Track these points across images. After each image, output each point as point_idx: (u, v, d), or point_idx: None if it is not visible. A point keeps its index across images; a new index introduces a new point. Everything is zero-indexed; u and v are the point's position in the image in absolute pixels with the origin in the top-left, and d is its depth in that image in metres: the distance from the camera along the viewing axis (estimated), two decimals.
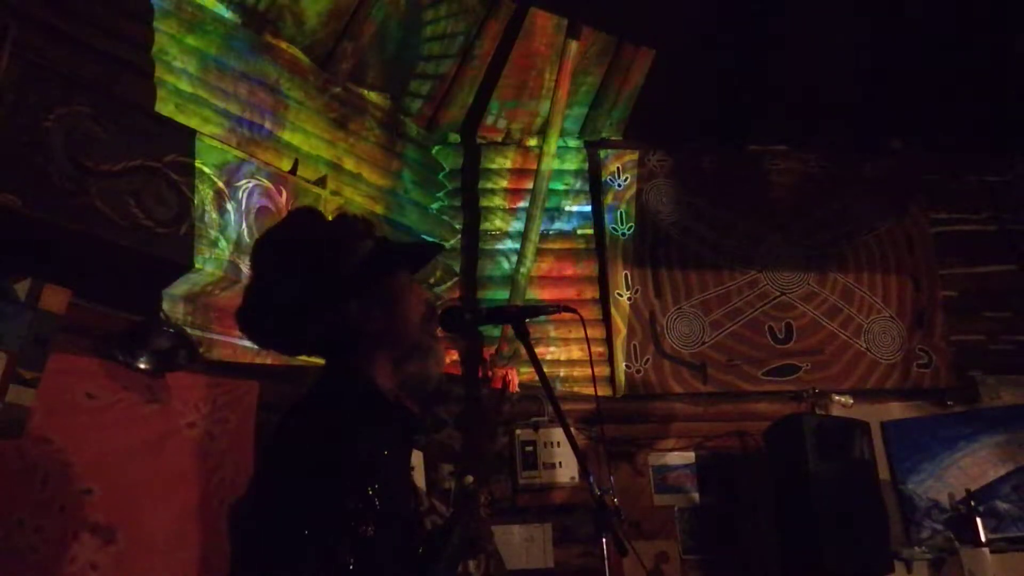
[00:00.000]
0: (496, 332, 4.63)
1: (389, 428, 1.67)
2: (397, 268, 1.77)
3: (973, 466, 4.73)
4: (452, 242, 4.93)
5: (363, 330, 1.69)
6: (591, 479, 1.92)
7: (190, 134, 3.44)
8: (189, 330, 3.39)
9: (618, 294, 4.94)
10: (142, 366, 3.24)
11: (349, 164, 4.35)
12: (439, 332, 1.91)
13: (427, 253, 1.94)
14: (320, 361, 1.80)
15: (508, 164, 5.11)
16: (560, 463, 4.48)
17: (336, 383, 1.71)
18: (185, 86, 3.56)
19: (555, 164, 4.85)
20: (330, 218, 1.82)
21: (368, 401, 1.67)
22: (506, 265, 4.87)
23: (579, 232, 5.11)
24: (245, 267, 3.49)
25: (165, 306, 3.41)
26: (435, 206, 4.94)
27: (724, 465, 4.72)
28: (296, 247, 1.72)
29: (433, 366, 1.78)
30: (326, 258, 1.68)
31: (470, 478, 4.17)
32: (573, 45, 4.59)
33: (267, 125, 3.92)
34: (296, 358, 1.84)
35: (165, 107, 3.44)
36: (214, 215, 3.47)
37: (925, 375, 4.93)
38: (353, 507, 1.47)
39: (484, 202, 5.04)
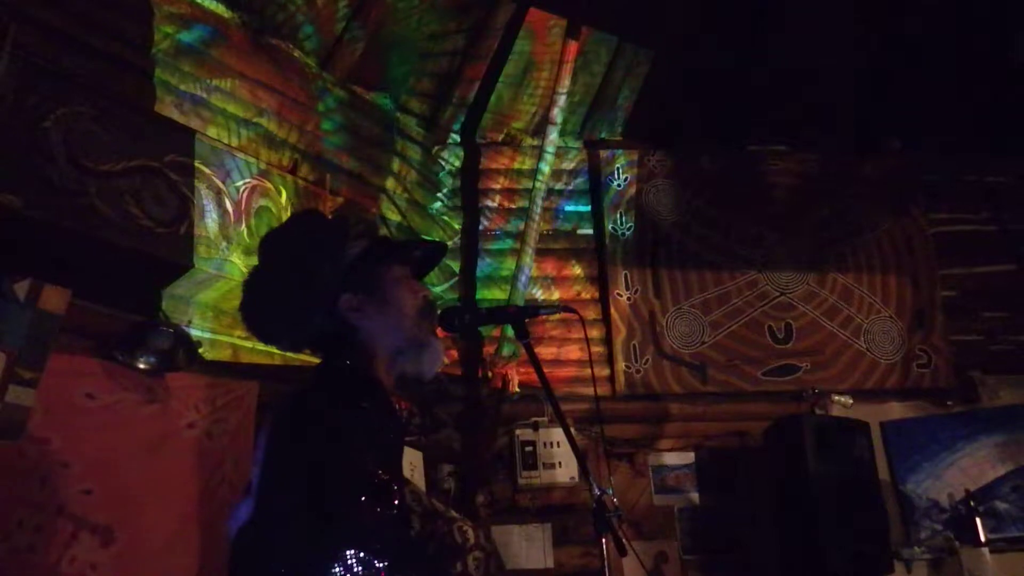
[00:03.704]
0: (496, 332, 4.63)
1: (387, 420, 1.68)
2: (388, 263, 1.79)
3: (973, 466, 4.73)
4: (452, 242, 4.94)
5: (357, 324, 1.73)
6: (591, 479, 1.93)
7: (190, 134, 3.44)
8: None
9: (618, 294, 4.94)
10: (142, 366, 3.24)
11: (349, 164, 4.35)
12: (439, 331, 1.92)
13: (425, 249, 1.94)
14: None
15: (508, 164, 5.11)
16: (560, 463, 4.48)
17: (332, 377, 1.72)
18: (185, 86, 3.56)
19: (555, 164, 4.85)
20: (330, 218, 1.86)
21: (367, 392, 1.68)
22: (506, 265, 4.87)
23: (579, 232, 5.11)
24: (244, 267, 3.49)
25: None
26: (435, 206, 4.94)
27: (724, 465, 4.72)
28: (294, 245, 1.77)
29: (429, 361, 1.80)
30: (321, 255, 1.73)
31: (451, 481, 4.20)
32: (573, 45, 4.59)
33: (267, 125, 3.92)
34: (296, 357, 1.86)
35: (164, 107, 3.44)
36: (214, 215, 3.47)
37: (925, 375, 4.93)
38: (362, 502, 1.48)
39: (484, 202, 5.04)
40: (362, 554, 1.41)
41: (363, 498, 1.46)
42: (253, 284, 1.79)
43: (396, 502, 1.52)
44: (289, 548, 1.44)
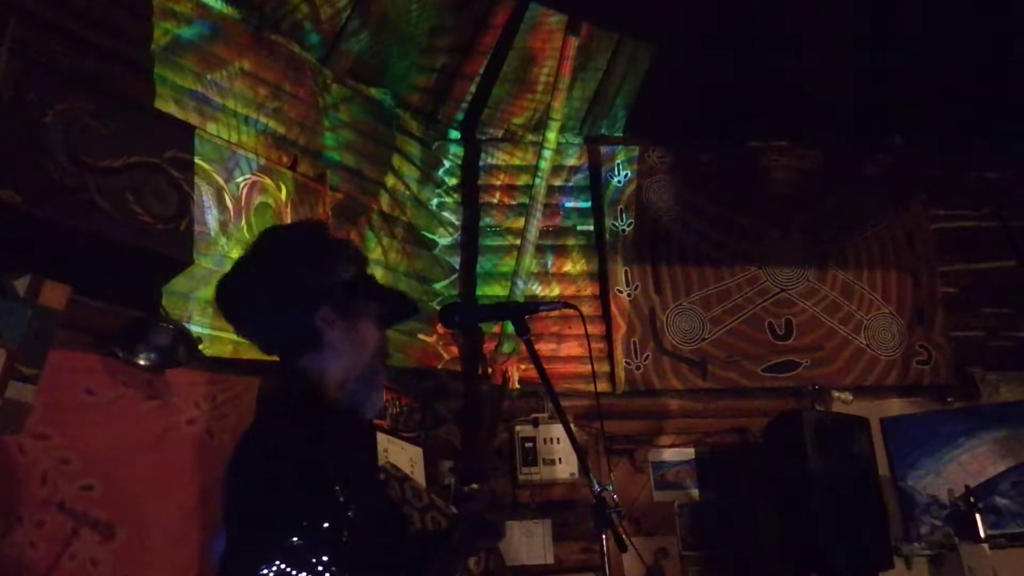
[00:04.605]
0: (496, 328, 4.63)
1: (340, 435, 1.75)
2: (369, 299, 1.85)
3: (972, 462, 4.73)
4: (452, 238, 4.94)
5: (325, 339, 1.77)
6: (591, 475, 1.93)
7: (189, 130, 3.44)
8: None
9: (618, 290, 4.93)
10: (142, 362, 3.24)
11: (349, 160, 4.35)
12: (439, 328, 1.96)
13: (402, 306, 1.99)
14: None
15: (508, 160, 5.11)
16: (560, 459, 4.48)
17: (287, 398, 1.79)
18: (184, 82, 3.56)
19: (555, 160, 4.84)
20: (332, 236, 1.93)
21: (319, 417, 1.75)
22: (506, 261, 4.87)
23: (579, 228, 5.10)
24: None
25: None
26: (435, 202, 4.94)
27: (724, 461, 4.73)
28: (294, 247, 1.83)
29: (373, 400, 1.85)
30: (317, 265, 1.79)
31: (475, 486, 4.18)
32: (573, 41, 4.59)
33: (267, 121, 3.92)
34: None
35: (164, 103, 3.44)
36: (214, 211, 3.47)
37: (925, 371, 4.94)
38: (328, 518, 1.54)
39: (484, 198, 5.04)
40: (291, 568, 1.47)
41: (309, 516, 1.53)
42: (242, 271, 1.83)
43: (350, 517, 1.57)
44: (238, 560, 1.54)
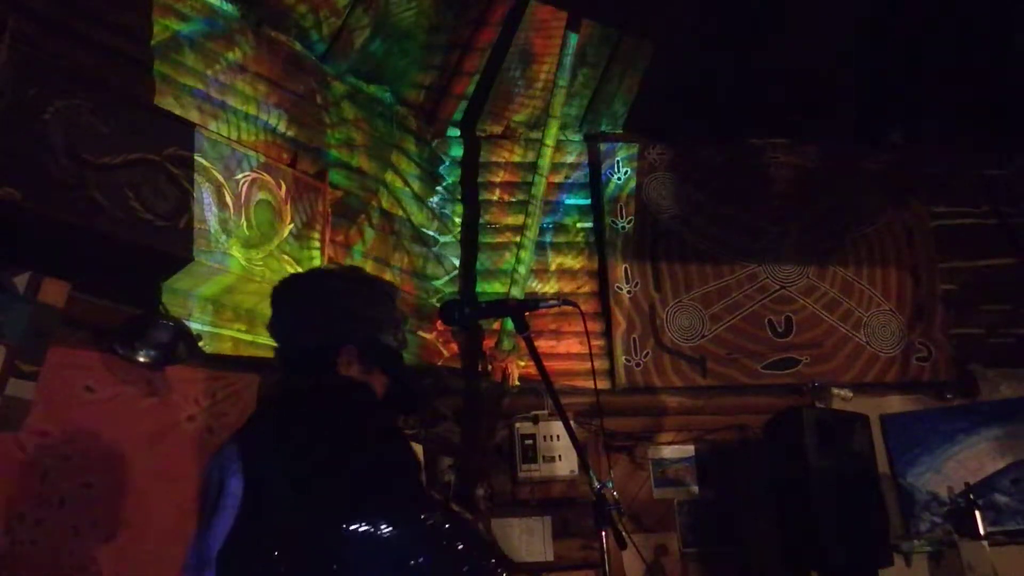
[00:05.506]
0: (496, 325, 4.63)
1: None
2: (388, 370, 2.01)
3: (972, 459, 4.73)
4: (452, 235, 4.94)
5: (339, 371, 1.91)
6: (590, 472, 1.93)
7: (189, 127, 3.44)
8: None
9: (618, 287, 4.93)
10: (142, 359, 3.24)
11: (349, 157, 4.35)
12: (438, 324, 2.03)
13: (406, 396, 2.12)
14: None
15: (508, 157, 5.10)
16: (559, 456, 4.48)
17: (340, 395, 1.91)
18: (184, 79, 3.56)
19: (555, 157, 4.84)
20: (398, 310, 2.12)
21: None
22: (505, 258, 4.87)
23: (579, 225, 5.10)
24: (244, 260, 3.48)
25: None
26: (434, 199, 4.93)
27: (723, 458, 4.73)
28: (370, 289, 2.02)
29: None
30: (376, 316, 1.99)
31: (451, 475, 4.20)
32: (573, 38, 4.58)
33: (266, 118, 3.91)
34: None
35: (164, 100, 3.44)
36: (214, 208, 3.46)
37: (924, 368, 4.94)
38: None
39: (483, 195, 5.03)
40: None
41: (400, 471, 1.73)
42: (312, 284, 2.05)
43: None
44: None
